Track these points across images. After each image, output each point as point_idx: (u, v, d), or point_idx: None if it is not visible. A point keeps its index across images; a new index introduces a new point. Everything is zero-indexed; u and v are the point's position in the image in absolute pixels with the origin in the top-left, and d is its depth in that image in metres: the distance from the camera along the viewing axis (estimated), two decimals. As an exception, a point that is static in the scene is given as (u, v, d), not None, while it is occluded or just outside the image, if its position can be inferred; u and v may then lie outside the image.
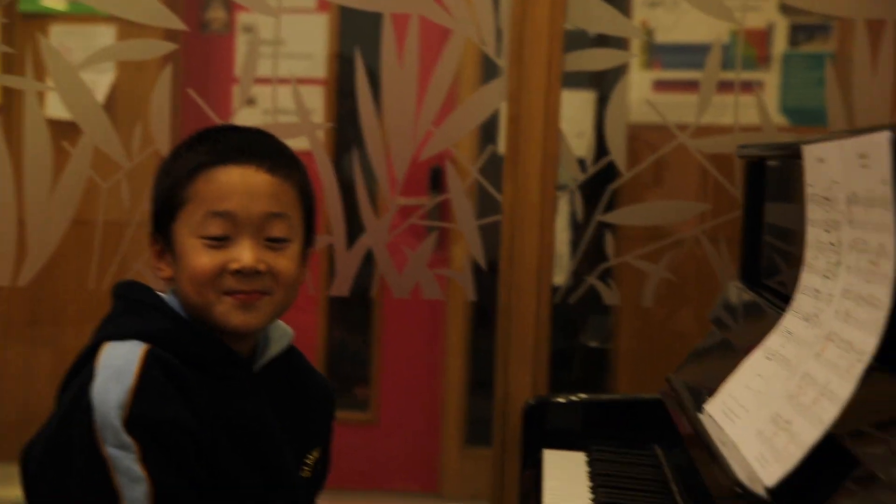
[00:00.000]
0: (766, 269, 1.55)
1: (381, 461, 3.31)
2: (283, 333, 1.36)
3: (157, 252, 1.30)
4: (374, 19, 1.90)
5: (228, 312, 1.24)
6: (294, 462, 1.32)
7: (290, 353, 1.37)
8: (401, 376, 3.34)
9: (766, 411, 1.07)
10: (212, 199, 1.24)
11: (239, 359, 1.28)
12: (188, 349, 1.22)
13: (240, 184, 1.24)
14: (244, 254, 1.23)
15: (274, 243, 1.25)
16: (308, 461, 1.35)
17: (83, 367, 1.20)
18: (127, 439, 1.13)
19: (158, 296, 1.29)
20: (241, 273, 1.23)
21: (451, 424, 3.32)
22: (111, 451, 1.13)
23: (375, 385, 3.36)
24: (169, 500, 1.15)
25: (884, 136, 0.87)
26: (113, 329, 1.23)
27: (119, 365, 1.16)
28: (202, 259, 1.23)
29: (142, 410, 1.14)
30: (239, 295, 1.23)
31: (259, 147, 1.28)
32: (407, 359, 3.33)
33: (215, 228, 1.23)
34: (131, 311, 1.25)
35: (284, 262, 1.26)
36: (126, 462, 1.13)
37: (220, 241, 1.24)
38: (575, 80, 1.95)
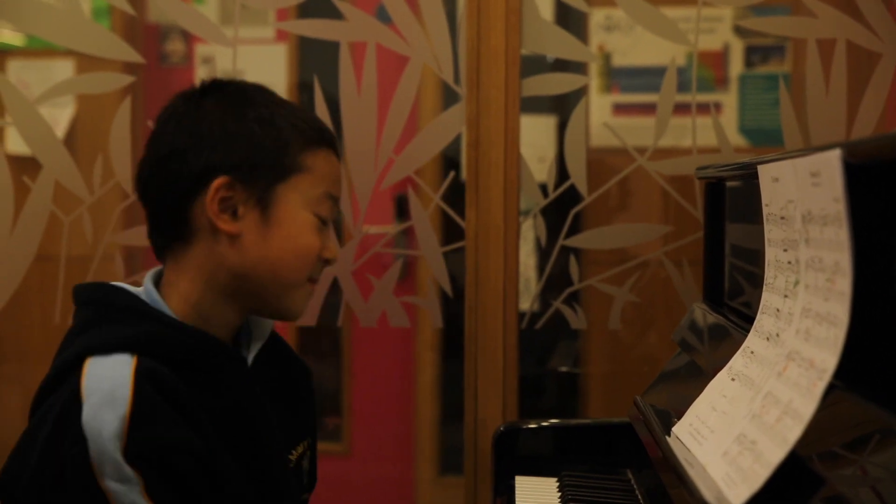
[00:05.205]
0: (730, 289, 1.56)
1: (355, 492, 3.27)
2: (262, 321, 1.29)
3: (230, 202, 1.16)
4: (332, 48, 1.90)
5: (304, 299, 1.21)
6: (285, 455, 1.25)
7: (273, 340, 1.31)
8: (373, 406, 3.31)
9: (732, 432, 1.07)
10: (330, 181, 1.22)
11: (233, 352, 1.19)
12: (179, 351, 1.12)
13: (339, 171, 1.24)
14: (335, 245, 1.23)
15: None
16: (293, 456, 1.28)
17: (59, 384, 1.10)
18: (129, 472, 1.03)
19: (135, 295, 1.17)
20: (328, 263, 1.21)
21: (424, 453, 3.29)
22: (112, 486, 1.03)
23: (347, 415, 3.33)
24: None
25: (834, 154, 0.88)
26: (91, 340, 1.10)
27: (109, 388, 1.05)
28: (313, 238, 1.19)
29: (142, 438, 1.04)
30: (314, 284, 1.23)
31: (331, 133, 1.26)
32: (378, 388, 3.31)
33: (327, 211, 1.21)
34: (108, 317, 1.13)
35: None
36: (130, 496, 1.03)
37: (325, 226, 1.21)
38: (536, 105, 1.95)
